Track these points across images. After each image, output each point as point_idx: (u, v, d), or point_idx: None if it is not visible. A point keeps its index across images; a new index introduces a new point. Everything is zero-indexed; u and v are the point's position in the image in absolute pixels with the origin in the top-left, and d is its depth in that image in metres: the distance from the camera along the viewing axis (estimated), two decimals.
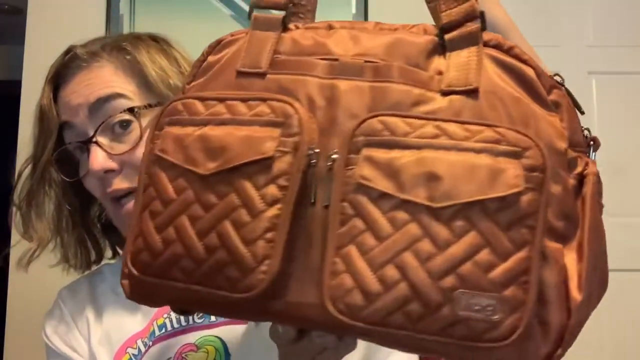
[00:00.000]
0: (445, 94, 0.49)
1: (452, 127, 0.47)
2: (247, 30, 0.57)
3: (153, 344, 0.80)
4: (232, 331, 0.78)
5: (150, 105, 0.80)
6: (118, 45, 0.83)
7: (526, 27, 2.19)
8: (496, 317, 0.43)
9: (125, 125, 0.78)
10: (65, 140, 0.83)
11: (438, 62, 0.51)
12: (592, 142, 0.51)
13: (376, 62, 0.52)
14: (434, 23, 0.54)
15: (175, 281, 0.51)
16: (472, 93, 0.49)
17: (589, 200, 0.48)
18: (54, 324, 0.88)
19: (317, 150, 0.49)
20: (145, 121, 0.79)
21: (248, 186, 0.49)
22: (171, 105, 0.54)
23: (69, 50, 0.84)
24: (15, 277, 1.63)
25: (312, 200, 0.49)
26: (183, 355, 0.78)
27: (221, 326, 0.79)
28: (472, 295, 0.44)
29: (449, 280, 0.44)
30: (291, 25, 0.57)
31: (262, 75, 0.54)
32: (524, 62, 0.50)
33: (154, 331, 0.81)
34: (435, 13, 0.53)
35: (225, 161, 0.50)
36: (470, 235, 0.44)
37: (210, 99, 0.53)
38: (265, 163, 0.49)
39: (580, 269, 0.47)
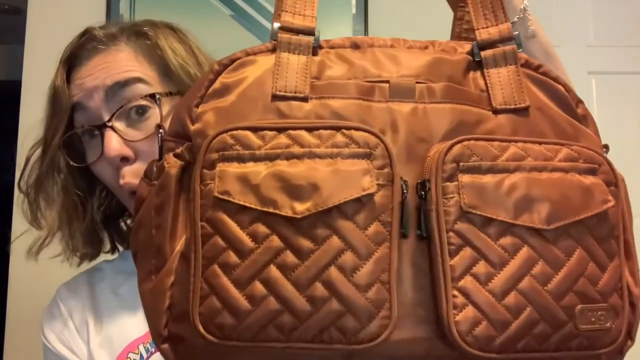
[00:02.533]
0: (497, 112, 0.51)
1: (535, 148, 0.49)
2: (260, 48, 0.53)
3: (156, 350, 0.78)
4: None
5: (171, 93, 0.77)
6: (137, 29, 0.81)
7: None
8: (607, 324, 0.47)
9: (141, 111, 0.76)
10: (75, 124, 0.80)
11: (476, 79, 0.53)
12: (604, 149, 0.53)
13: (426, 83, 0.51)
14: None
15: (270, 341, 0.45)
16: (523, 111, 0.51)
17: (626, 202, 0.51)
18: (51, 323, 0.86)
19: (406, 180, 0.48)
20: (165, 109, 0.76)
21: (350, 227, 0.45)
22: (217, 139, 0.48)
23: (86, 31, 0.81)
24: (15, 277, 1.63)
25: (406, 233, 0.47)
26: None
27: None
28: (589, 309, 0.47)
29: (569, 299, 0.46)
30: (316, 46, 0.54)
31: (304, 99, 0.50)
32: (554, 79, 0.53)
33: None
34: (459, 23, 0.56)
35: (319, 201, 0.45)
36: (578, 252, 0.47)
37: (266, 129, 0.48)
38: (364, 199, 0.46)
39: (631, 266, 0.50)
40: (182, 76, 0.78)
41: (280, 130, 0.48)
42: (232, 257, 0.46)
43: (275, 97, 0.50)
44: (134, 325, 0.81)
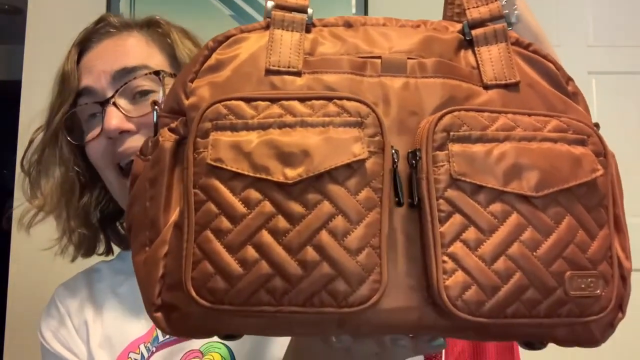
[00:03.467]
0: (488, 87, 0.52)
1: (524, 119, 0.50)
2: (255, 26, 0.54)
3: (157, 350, 0.78)
4: None
5: (175, 75, 0.79)
6: (151, 19, 0.84)
7: None
8: (597, 291, 0.48)
9: (145, 93, 0.78)
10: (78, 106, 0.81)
11: (467, 57, 0.54)
12: (596, 127, 0.54)
13: (417, 58, 0.52)
14: (432, 20, 0.56)
15: (262, 305, 0.46)
16: (514, 86, 0.52)
17: (617, 177, 0.52)
18: (50, 323, 0.86)
19: (397, 150, 0.48)
20: (168, 89, 0.78)
21: (341, 192, 0.46)
22: (211, 109, 0.49)
23: (102, 18, 0.84)
24: (15, 277, 1.63)
25: (401, 201, 0.48)
26: None
27: None
28: (579, 275, 0.47)
29: (558, 265, 0.47)
30: (310, 24, 0.55)
31: (297, 73, 0.51)
32: (544, 57, 0.54)
33: (157, 336, 0.79)
34: (450, 7, 0.58)
35: (310, 167, 0.46)
36: (567, 219, 0.48)
37: (259, 99, 0.49)
38: (355, 166, 0.46)
39: (622, 240, 0.51)
40: None
41: (273, 100, 0.48)
42: (225, 223, 0.46)
43: (269, 72, 0.51)
44: (134, 324, 0.81)
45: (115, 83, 0.78)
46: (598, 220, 0.49)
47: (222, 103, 0.49)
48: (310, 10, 0.54)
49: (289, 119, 0.47)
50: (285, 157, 0.46)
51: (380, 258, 0.46)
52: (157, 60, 0.80)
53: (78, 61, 0.81)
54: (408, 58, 0.52)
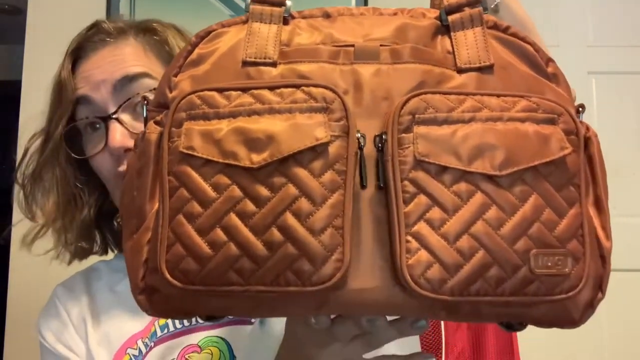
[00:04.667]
0: (461, 71, 0.53)
1: (492, 100, 0.50)
2: (235, 20, 0.56)
3: (155, 345, 0.79)
4: (236, 331, 0.77)
5: None
6: (147, 25, 0.82)
7: None
8: (566, 269, 0.48)
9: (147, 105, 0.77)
10: (76, 117, 0.79)
11: (443, 42, 0.54)
12: (580, 108, 0.54)
13: (390, 45, 0.53)
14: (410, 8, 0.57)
15: (231, 285, 0.48)
16: (487, 69, 0.53)
17: (598, 158, 0.52)
18: (49, 322, 0.86)
19: (363, 134, 0.49)
20: None
21: (305, 174, 0.47)
22: (185, 99, 0.51)
23: (94, 24, 0.82)
24: (15, 277, 1.63)
25: (364, 183, 0.49)
26: (186, 356, 0.77)
27: (225, 326, 0.77)
28: (545, 253, 0.47)
29: (523, 243, 0.47)
30: (287, 16, 0.56)
31: (273, 64, 0.53)
32: (522, 39, 0.55)
33: (155, 332, 0.79)
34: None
35: (275, 151, 0.47)
36: (533, 198, 0.48)
37: (231, 89, 0.51)
38: (319, 149, 0.48)
39: (603, 220, 0.51)
40: None
41: (244, 90, 0.50)
42: (196, 207, 0.49)
43: (245, 63, 0.53)
44: (132, 321, 0.81)
45: (116, 93, 0.77)
46: (568, 198, 0.49)
47: (197, 94, 0.51)
48: (289, 3, 0.55)
49: (257, 106, 0.49)
50: (252, 143, 0.48)
51: (343, 238, 0.46)
52: (156, 68, 0.79)
53: (73, 69, 0.80)
54: (381, 45, 0.53)
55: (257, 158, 0.48)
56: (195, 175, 0.49)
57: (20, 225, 0.88)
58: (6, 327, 1.63)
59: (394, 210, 0.47)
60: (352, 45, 0.53)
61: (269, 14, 0.55)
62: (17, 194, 0.85)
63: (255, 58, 0.53)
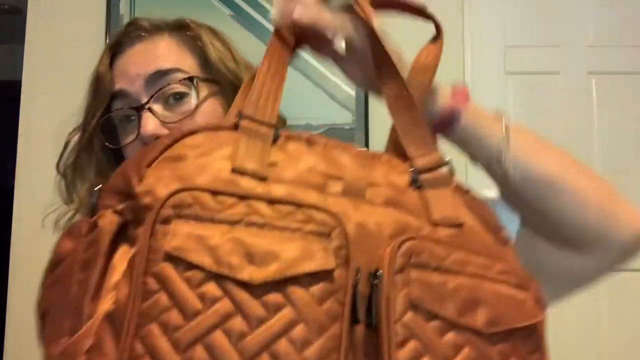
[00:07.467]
0: (436, 225, 0.54)
1: (474, 257, 0.52)
2: (223, 126, 0.54)
3: None
4: None
5: (208, 80, 0.81)
6: (181, 22, 0.86)
7: (526, 27, 2.18)
8: None
9: (179, 97, 0.80)
10: (113, 110, 0.83)
11: (416, 196, 0.55)
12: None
13: (375, 187, 0.54)
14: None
15: None
16: (458, 227, 0.54)
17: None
18: None
19: (359, 267, 0.48)
20: (202, 94, 0.80)
21: (306, 299, 0.45)
22: (175, 196, 0.46)
23: (132, 21, 0.86)
24: (15, 277, 1.63)
25: (358, 319, 0.47)
26: None
27: None
28: None
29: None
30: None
31: (262, 179, 0.50)
32: (481, 204, 0.57)
33: None
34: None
35: (278, 270, 0.44)
36: (513, 359, 0.50)
37: (225, 194, 0.47)
38: (323, 275, 0.46)
39: None
40: (220, 68, 0.82)
41: (240, 197, 0.47)
42: (176, 318, 0.43)
43: (235, 171, 0.50)
44: None
45: (149, 86, 0.80)
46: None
47: (188, 192, 0.46)
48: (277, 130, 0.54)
49: (256, 218, 0.46)
50: (253, 257, 0.45)
51: None
52: (188, 63, 0.82)
53: (111, 64, 0.84)
54: (368, 185, 0.53)
55: (259, 274, 0.44)
56: (180, 280, 0.44)
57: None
58: (6, 327, 1.63)
59: (385, 352, 0.46)
60: (342, 178, 0.52)
61: (257, 131, 0.53)
62: (59, 183, 0.88)
63: (243, 171, 0.50)
